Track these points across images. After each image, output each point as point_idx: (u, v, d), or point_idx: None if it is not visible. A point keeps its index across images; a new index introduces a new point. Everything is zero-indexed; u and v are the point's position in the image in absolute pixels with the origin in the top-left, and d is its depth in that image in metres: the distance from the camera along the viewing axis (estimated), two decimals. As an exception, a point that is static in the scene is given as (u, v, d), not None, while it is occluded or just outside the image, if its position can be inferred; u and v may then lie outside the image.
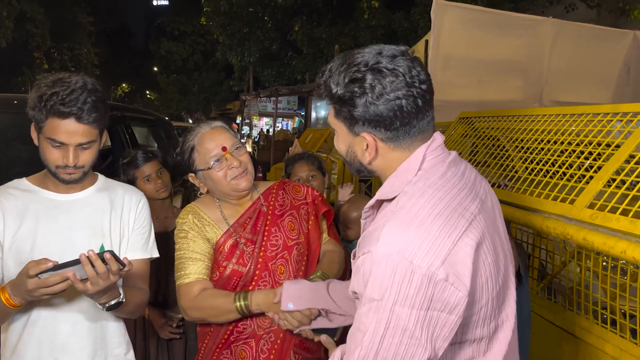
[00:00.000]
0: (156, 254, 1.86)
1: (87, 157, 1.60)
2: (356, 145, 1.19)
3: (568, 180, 1.78)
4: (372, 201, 1.24)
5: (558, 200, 1.74)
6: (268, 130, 22.01)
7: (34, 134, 1.61)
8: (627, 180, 1.55)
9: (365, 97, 1.11)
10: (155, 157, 2.76)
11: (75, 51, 28.45)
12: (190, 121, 35.34)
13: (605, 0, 11.83)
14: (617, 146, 1.69)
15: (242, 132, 21.85)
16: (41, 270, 1.35)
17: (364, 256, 1.06)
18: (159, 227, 2.42)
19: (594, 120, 1.87)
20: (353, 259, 1.23)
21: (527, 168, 2.04)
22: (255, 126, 26.45)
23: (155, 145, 4.85)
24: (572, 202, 1.67)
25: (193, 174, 1.88)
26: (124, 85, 45.10)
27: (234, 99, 27.02)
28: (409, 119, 1.12)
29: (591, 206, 1.59)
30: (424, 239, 1.03)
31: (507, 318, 1.18)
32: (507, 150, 2.32)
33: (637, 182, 1.53)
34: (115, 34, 40.02)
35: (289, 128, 25.56)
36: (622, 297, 1.60)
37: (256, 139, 21.14)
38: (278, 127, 25.15)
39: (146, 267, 1.82)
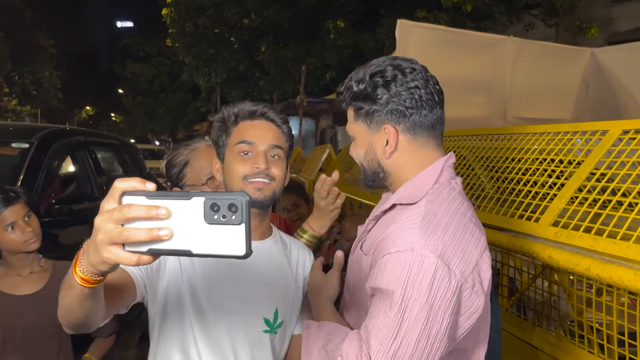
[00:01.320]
0: None
1: (278, 170, 1.38)
2: (376, 142, 1.23)
3: (533, 198, 1.80)
4: (386, 205, 1.26)
5: (524, 219, 1.76)
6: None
7: (217, 169, 1.45)
8: (589, 197, 1.58)
9: (387, 86, 1.18)
10: (19, 198, 2.14)
11: (37, 75, 27.96)
12: (157, 143, 34.98)
13: (563, 19, 12.25)
14: (579, 163, 1.73)
15: (211, 153, 21.68)
16: (133, 189, 0.76)
17: (399, 254, 1.07)
18: (26, 289, 2.09)
19: (555, 139, 1.91)
20: (358, 252, 1.28)
21: (493, 186, 2.06)
22: (224, 147, 26.25)
23: (121, 170, 4.77)
24: (537, 220, 1.69)
25: (178, 189, 1.76)
26: (88, 108, 44.43)
27: (202, 120, 26.85)
28: (426, 109, 1.19)
29: (555, 224, 1.61)
30: (458, 247, 1.08)
31: (485, 332, 1.22)
32: (473, 169, 2.36)
33: (598, 199, 1.56)
34: (78, 56, 39.55)
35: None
36: (591, 312, 1.62)
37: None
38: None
39: None
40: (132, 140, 39.60)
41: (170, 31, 17.25)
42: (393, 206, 1.24)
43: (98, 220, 0.75)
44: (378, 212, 1.29)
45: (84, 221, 3.25)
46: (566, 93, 6.66)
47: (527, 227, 1.70)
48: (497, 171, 2.08)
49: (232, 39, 16.44)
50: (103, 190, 3.71)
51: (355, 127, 1.26)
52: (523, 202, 1.80)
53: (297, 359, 1.43)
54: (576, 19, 12.13)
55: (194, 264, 1.34)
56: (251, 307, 1.36)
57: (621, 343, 1.50)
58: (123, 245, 0.75)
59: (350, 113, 1.27)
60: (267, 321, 1.38)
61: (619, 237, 1.37)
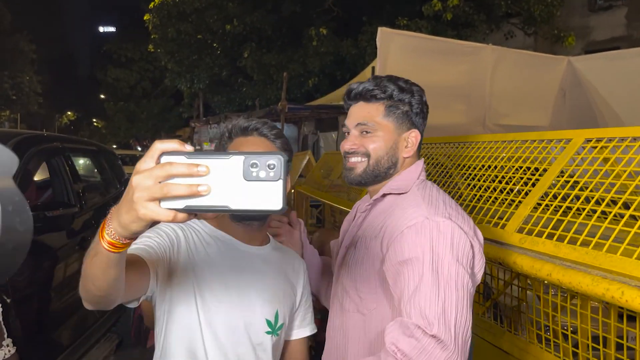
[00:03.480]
0: (316, 329, 1.65)
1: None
2: (401, 141, 1.41)
3: (500, 205, 1.84)
4: (377, 195, 1.41)
5: (491, 225, 1.80)
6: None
7: None
8: (552, 204, 1.62)
9: (421, 98, 1.42)
10: None
11: (17, 79, 27.61)
12: (139, 149, 34.67)
13: (541, 28, 12.46)
14: (545, 170, 1.77)
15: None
16: (173, 149, 0.78)
17: (416, 225, 1.22)
18: None
19: (522, 147, 1.96)
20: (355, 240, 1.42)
21: (469, 194, 2.10)
22: (207, 152, 26.15)
23: (99, 176, 4.74)
24: (503, 227, 1.73)
25: None
26: (69, 113, 43.96)
27: (184, 126, 26.71)
28: (426, 121, 1.44)
29: (520, 230, 1.65)
30: (459, 215, 1.28)
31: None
32: (451, 176, 2.39)
33: (561, 206, 1.60)
34: (60, 61, 39.13)
35: (241, 154, 25.40)
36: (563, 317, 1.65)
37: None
38: (229, 153, 24.95)
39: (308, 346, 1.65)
40: (114, 146, 39.39)
41: (152, 37, 17.18)
42: (383, 196, 1.40)
43: (136, 179, 0.76)
44: (369, 203, 1.44)
45: (59, 228, 3.22)
46: (544, 101, 6.76)
47: (494, 233, 1.74)
48: (472, 178, 2.12)
49: (214, 44, 16.42)
50: (80, 197, 3.67)
51: (383, 122, 1.39)
52: (490, 209, 1.83)
53: None
54: (554, 27, 12.36)
55: (202, 267, 1.37)
56: (254, 308, 1.41)
57: (593, 348, 1.54)
58: (160, 202, 0.76)
59: (380, 108, 1.40)
60: (269, 322, 1.44)
61: (578, 243, 1.41)
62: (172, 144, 0.78)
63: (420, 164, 1.43)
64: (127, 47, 30.73)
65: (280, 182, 0.76)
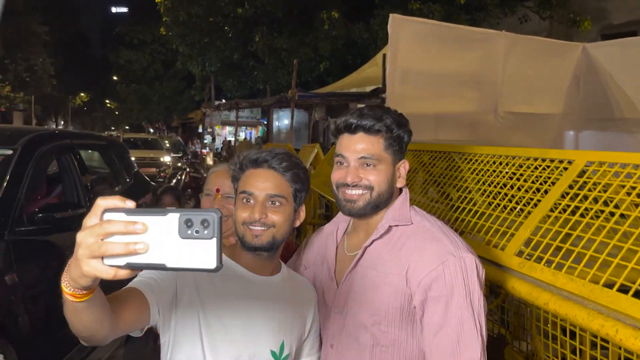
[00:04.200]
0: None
1: (278, 216, 1.43)
2: (395, 172, 1.46)
3: (500, 225, 1.83)
4: (385, 227, 1.44)
5: (491, 246, 1.79)
6: (231, 140, 21.88)
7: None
8: (552, 228, 1.61)
9: (409, 128, 1.46)
10: None
11: (30, 61, 27.70)
12: (152, 131, 34.82)
13: (557, 12, 12.20)
14: (546, 191, 1.75)
15: (205, 141, 21.64)
16: (114, 207, 0.80)
17: (446, 263, 1.31)
18: None
19: (525, 164, 1.93)
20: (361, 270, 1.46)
21: (464, 209, 2.08)
22: (218, 135, 26.20)
23: (109, 169, 4.78)
24: (503, 248, 1.72)
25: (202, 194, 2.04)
26: (82, 94, 44.12)
27: (196, 108, 26.70)
28: None
29: (520, 254, 1.64)
30: (465, 243, 1.38)
31: None
32: (442, 187, 2.36)
33: (560, 232, 1.58)
34: (72, 42, 39.15)
35: (253, 137, 25.45)
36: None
37: (218, 150, 20.94)
38: (242, 136, 24.97)
39: None
40: (127, 127, 39.45)
41: (164, 19, 17.11)
42: (389, 229, 1.44)
43: (80, 236, 0.79)
44: (375, 237, 1.45)
45: (68, 229, 3.26)
46: (557, 88, 6.65)
47: (494, 254, 1.72)
48: (468, 192, 2.10)
49: (225, 28, 16.31)
50: (89, 195, 3.71)
51: (384, 155, 1.43)
52: (492, 228, 1.82)
53: None
54: (570, 11, 12.09)
55: (208, 297, 1.39)
56: (259, 338, 1.42)
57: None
58: (102, 259, 0.78)
59: (379, 142, 1.43)
60: (273, 353, 1.45)
61: (576, 273, 1.40)
62: (114, 201, 0.80)
63: (407, 192, 1.51)
64: (139, 30, 30.67)
65: (214, 240, 0.76)
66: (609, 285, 1.32)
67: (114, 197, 0.81)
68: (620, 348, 1.29)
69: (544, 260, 1.52)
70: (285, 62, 14.50)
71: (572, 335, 1.51)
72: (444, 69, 6.01)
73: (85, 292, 0.88)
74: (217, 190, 1.91)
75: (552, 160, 1.82)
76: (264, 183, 1.42)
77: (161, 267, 0.78)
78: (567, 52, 6.73)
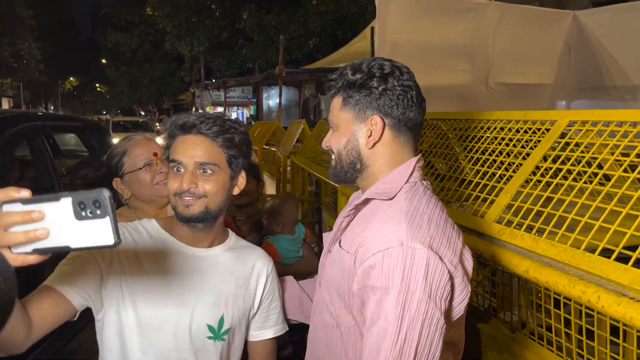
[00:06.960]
0: (286, 329, 1.61)
1: (210, 185, 1.35)
2: (360, 131, 1.22)
3: (480, 192, 1.74)
4: (359, 199, 1.26)
5: (471, 213, 1.70)
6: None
7: None
8: (533, 192, 1.52)
9: (385, 78, 1.19)
10: None
11: (16, 46, 27.28)
12: (142, 113, 34.53)
13: (548, -20, 12.02)
14: (528, 155, 1.66)
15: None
16: (9, 198, 0.83)
17: (390, 250, 1.07)
18: None
19: (506, 127, 1.84)
20: (338, 250, 1.26)
21: (451, 177, 1.99)
22: (210, 116, 25.98)
23: (86, 152, 4.64)
24: (482, 215, 1.63)
25: (119, 179, 1.86)
26: (72, 79, 43.66)
27: (187, 90, 26.49)
28: (414, 111, 1.20)
29: (500, 220, 1.55)
30: (443, 238, 1.11)
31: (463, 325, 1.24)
32: (428, 157, 2.27)
33: (542, 196, 1.49)
34: (60, 26, 38.58)
35: (244, 117, 25.24)
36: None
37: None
38: (233, 116, 24.76)
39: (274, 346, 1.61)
40: (118, 111, 39.11)
41: (149, -1, 16.87)
42: (367, 201, 1.24)
43: None
44: (351, 208, 1.29)
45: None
46: (549, 57, 6.58)
47: (474, 222, 1.63)
48: (455, 161, 2.01)
49: (213, 6, 16.08)
50: (62, 177, 3.59)
51: (341, 114, 1.25)
52: (478, 197, 1.72)
53: None
54: (562, -20, 11.90)
55: (134, 272, 1.34)
56: (194, 314, 1.36)
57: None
58: (10, 249, 0.83)
59: (338, 101, 1.25)
60: (210, 327, 1.39)
61: (557, 238, 1.31)
62: (8, 193, 0.83)
63: (410, 163, 1.22)
64: (127, 11, 30.18)
65: (108, 218, 0.81)
66: (593, 250, 1.24)
67: (8, 189, 0.84)
68: (606, 316, 1.21)
69: (524, 226, 1.44)
70: (275, 39, 14.32)
71: (564, 305, 1.43)
72: (433, 41, 5.90)
73: None
74: (155, 155, 1.83)
75: (534, 122, 1.73)
76: (192, 150, 1.33)
77: (66, 249, 0.83)
78: (557, 21, 6.64)
